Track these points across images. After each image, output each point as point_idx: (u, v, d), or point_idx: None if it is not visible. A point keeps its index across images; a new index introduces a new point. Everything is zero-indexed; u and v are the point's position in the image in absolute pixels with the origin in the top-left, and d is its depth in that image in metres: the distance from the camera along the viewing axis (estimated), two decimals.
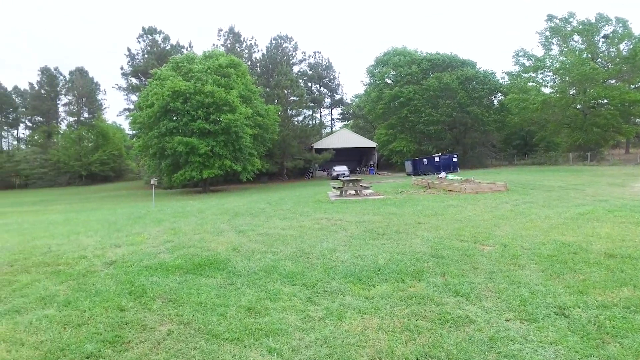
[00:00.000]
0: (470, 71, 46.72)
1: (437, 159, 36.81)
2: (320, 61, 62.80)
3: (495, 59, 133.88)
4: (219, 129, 27.63)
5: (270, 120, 32.63)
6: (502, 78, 48.89)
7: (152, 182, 18.39)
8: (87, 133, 58.93)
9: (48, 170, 57.08)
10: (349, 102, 69.70)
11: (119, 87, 48.42)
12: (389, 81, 48.99)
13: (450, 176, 22.52)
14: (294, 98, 42.50)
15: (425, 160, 38.47)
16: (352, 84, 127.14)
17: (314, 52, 65.44)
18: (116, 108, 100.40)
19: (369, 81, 53.79)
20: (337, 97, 68.09)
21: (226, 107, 27.87)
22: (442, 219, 9.70)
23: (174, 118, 28.06)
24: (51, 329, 3.90)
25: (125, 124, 43.96)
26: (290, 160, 41.83)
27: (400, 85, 45.94)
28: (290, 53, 49.06)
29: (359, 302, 4.31)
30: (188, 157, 27.57)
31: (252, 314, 4.10)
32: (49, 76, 62.05)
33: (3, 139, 71.38)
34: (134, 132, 37.23)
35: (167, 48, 43.76)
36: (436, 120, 45.15)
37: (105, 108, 65.64)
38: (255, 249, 7.10)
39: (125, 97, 49.21)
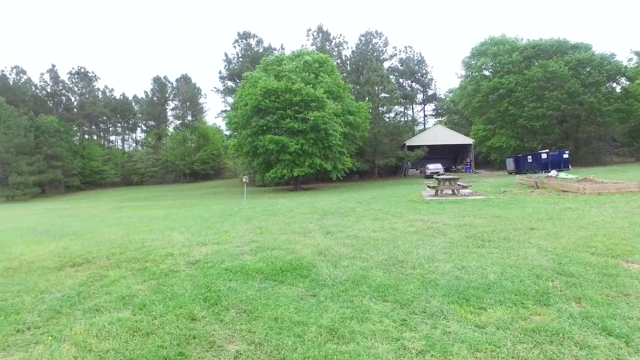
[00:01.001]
0: (583, 54, 40.59)
1: (544, 156, 33.11)
2: (412, 56, 60.64)
3: (615, 42, 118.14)
4: (307, 127, 27.69)
5: (361, 117, 31.93)
6: (629, 60, 42.08)
7: (243, 180, 18.83)
8: (190, 134, 63.59)
9: (158, 169, 62.76)
10: (443, 97, 66.34)
11: (217, 90, 51.60)
12: (487, 72, 45.35)
13: (562, 174, 19.84)
14: (385, 95, 41.39)
15: (529, 157, 34.89)
16: (446, 78, 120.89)
17: (405, 47, 63.26)
18: (215, 110, 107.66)
19: (464, 74, 50.44)
20: (430, 92, 65.22)
21: (314, 103, 27.83)
22: (560, 224, 8.20)
23: (268, 118, 28.78)
24: (120, 336, 3.65)
25: (223, 125, 46.60)
26: (381, 158, 40.83)
27: (499, 76, 42.14)
28: (380, 49, 47.97)
29: (468, 332, 3.43)
30: (279, 156, 28.05)
31: (335, 337, 3.44)
32: (159, 84, 68.31)
33: (125, 142, 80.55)
34: (230, 132, 39.14)
35: (260, 51, 45.40)
36: (541, 115, 40.13)
37: (206, 111, 70.65)
38: (343, 254, 6.48)
39: (223, 99, 52.24)
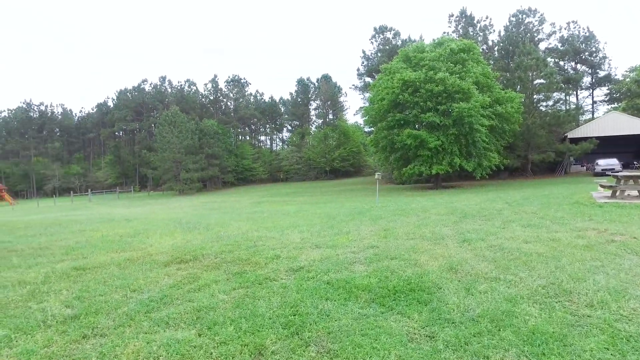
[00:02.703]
0: None
1: None
2: (577, 32, 51.59)
3: None
4: (449, 122, 25.26)
5: (514, 108, 27.85)
6: None
7: (376, 176, 17.79)
8: (331, 133, 65.17)
9: (301, 166, 65.91)
10: (621, 77, 54.97)
11: (355, 87, 51.57)
12: None
13: None
14: (541, 80, 35.84)
15: None
16: (624, 55, 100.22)
17: (568, 23, 53.74)
18: (355, 108, 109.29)
19: None
20: (602, 73, 54.76)
21: (459, 94, 25.24)
22: None
23: (406, 112, 27.19)
24: None
25: (362, 122, 46.39)
26: (535, 153, 35.50)
27: None
28: (534, 28, 41.87)
29: None
30: (417, 151, 26.27)
31: None
32: (302, 85, 71.71)
33: (273, 142, 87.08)
34: (369, 129, 38.51)
35: (398, 44, 43.76)
36: None
37: (346, 109, 71.36)
38: (481, 272, 4.93)
39: (362, 96, 52.07)
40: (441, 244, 6.87)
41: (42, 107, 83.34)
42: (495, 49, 40.69)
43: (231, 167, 61.61)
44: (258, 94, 77.48)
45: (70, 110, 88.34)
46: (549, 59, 40.61)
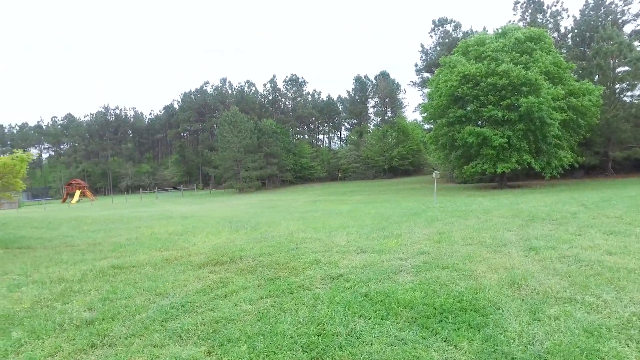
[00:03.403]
0: None
1: None
2: None
3: None
4: (515, 117, 23.34)
5: (592, 101, 25.09)
6: None
7: (433, 175, 16.73)
8: (389, 130, 63.71)
9: (359, 164, 65.09)
10: None
11: (414, 84, 49.76)
12: None
13: None
14: (625, 68, 32.26)
15: None
16: None
17: None
18: (413, 105, 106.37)
19: None
20: None
21: (525, 87, 23.23)
22: None
23: (468, 108, 25.54)
24: None
25: (421, 119, 44.70)
26: (618, 149, 32.02)
27: None
28: (616, 9, 37.84)
29: None
30: (480, 149, 24.61)
31: None
32: (360, 83, 70.79)
33: (331, 140, 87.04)
34: (428, 126, 36.95)
35: (459, 36, 41.45)
36: None
37: (405, 106, 69.46)
38: (551, 291, 4.09)
39: (420, 92, 50.23)
40: (503, 252, 6.00)
41: (117, 111, 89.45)
42: (569, 36, 37.26)
43: (289, 166, 62.17)
44: (315, 93, 77.72)
45: (141, 113, 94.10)
46: (635, 43, 36.37)
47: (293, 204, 23.55)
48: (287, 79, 72.99)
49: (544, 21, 36.92)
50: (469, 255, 5.86)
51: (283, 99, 74.52)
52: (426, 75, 45.94)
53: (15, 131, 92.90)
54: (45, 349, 3.44)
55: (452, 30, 43.88)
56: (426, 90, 38.10)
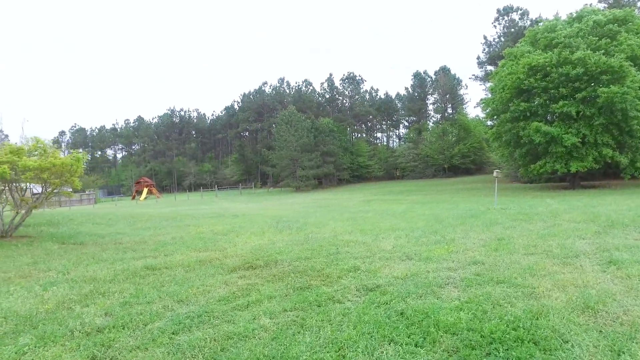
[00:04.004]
0: None
1: None
2: None
3: None
4: (592, 112, 21.06)
5: None
6: None
7: (494, 174, 15.43)
8: (450, 127, 61.20)
9: (418, 163, 63.15)
10: None
11: (475, 78, 47.19)
12: None
13: None
14: None
15: None
16: None
17: None
18: (476, 101, 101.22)
19: None
20: None
21: (606, 75, 20.85)
22: None
23: (535, 101, 23.48)
24: None
25: (483, 115, 42.22)
26: None
27: None
28: None
29: None
30: (549, 147, 22.56)
31: None
32: (419, 79, 68.60)
33: (389, 139, 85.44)
34: (491, 122, 34.82)
35: (526, 25, 38.56)
36: None
37: (466, 102, 66.25)
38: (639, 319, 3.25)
39: (483, 86, 47.56)
40: (573, 265, 5.10)
41: (182, 113, 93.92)
42: None
43: (346, 165, 61.69)
44: (373, 91, 76.51)
45: (203, 114, 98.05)
46: None
47: (346, 204, 23.05)
48: (344, 77, 72.50)
49: (628, 1, 33.20)
50: (530, 268, 5.03)
51: (340, 98, 74.16)
52: (489, 68, 43.41)
53: (94, 134, 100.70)
54: (46, 358, 3.21)
55: (519, 18, 41.01)
56: (489, 85, 35.94)
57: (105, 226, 13.59)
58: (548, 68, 22.19)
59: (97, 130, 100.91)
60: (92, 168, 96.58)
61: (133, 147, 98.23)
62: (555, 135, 21.56)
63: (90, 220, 15.30)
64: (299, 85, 77.52)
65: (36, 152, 10.53)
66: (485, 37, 44.09)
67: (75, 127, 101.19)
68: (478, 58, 45.71)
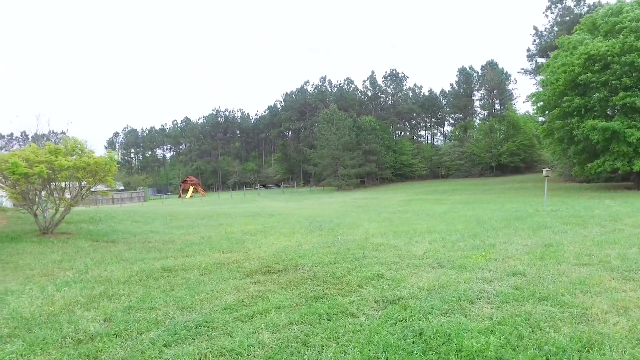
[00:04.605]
0: None
1: None
2: None
3: None
4: None
5: None
6: None
7: (544, 173, 14.21)
8: (497, 124, 58.50)
9: (464, 162, 60.90)
10: None
11: (525, 71, 44.48)
12: None
13: None
14: None
15: None
16: None
17: None
18: (525, 96, 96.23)
19: None
20: None
21: None
22: None
23: (593, 95, 21.60)
24: None
25: (533, 111, 39.76)
26: None
27: None
28: None
29: None
30: (609, 144, 20.68)
31: None
32: (464, 74, 66.07)
33: (434, 137, 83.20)
34: (542, 118, 32.73)
35: (582, 12, 35.82)
36: None
37: (515, 97, 62.74)
38: None
39: (533, 80, 44.87)
40: (638, 282, 4.31)
41: (227, 113, 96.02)
42: None
43: (389, 163, 60.53)
44: (416, 88, 74.65)
45: (247, 113, 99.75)
46: None
47: (386, 203, 22.36)
48: (387, 74, 71.19)
49: None
50: (582, 282, 4.30)
51: (383, 95, 72.95)
52: (540, 60, 40.86)
53: (145, 134, 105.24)
54: None
55: (574, 5, 38.21)
56: (539, 78, 33.76)
57: (142, 224, 13.75)
58: (609, 57, 20.29)
59: (147, 131, 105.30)
60: (143, 167, 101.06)
61: (180, 146, 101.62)
62: (616, 130, 19.73)
63: (130, 218, 15.59)
64: (340, 84, 77.01)
65: (74, 152, 10.71)
66: (535, 28, 41.52)
67: (127, 128, 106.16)
68: (528, 50, 43.16)
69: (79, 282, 5.54)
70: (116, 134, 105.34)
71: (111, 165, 10.68)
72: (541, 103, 26.59)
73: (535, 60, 42.26)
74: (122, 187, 70.97)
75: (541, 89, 28.86)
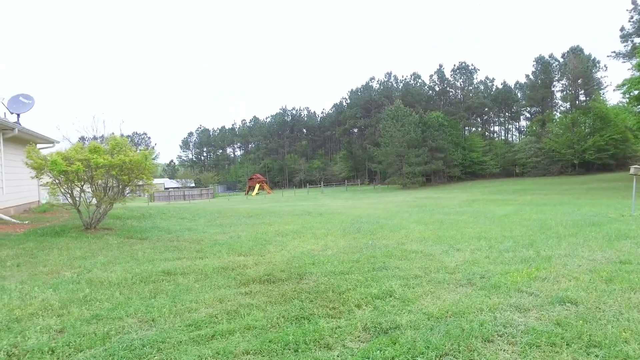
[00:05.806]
0: None
1: None
2: None
3: None
4: None
5: None
6: None
7: (631, 171, 12.09)
8: (582, 117, 53.01)
9: (541, 159, 56.08)
10: None
11: (617, 55, 39.36)
12: None
13: None
14: None
15: None
16: None
17: None
18: (617, 83, 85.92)
19: None
20: None
21: None
22: None
23: None
24: None
25: (626, 100, 34.99)
26: None
27: None
28: None
29: None
30: None
31: None
32: (543, 64, 60.59)
33: (508, 132, 77.88)
34: (638, 108, 28.83)
35: None
36: None
37: (605, 86, 56.24)
38: None
39: (628, 64, 39.66)
40: None
41: (293, 112, 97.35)
42: None
43: (458, 161, 57.53)
44: (488, 81, 70.16)
45: (313, 112, 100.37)
46: None
47: (446, 203, 20.85)
48: (456, 67, 67.64)
49: None
50: None
51: (452, 90, 69.48)
52: (637, 40, 35.96)
53: (216, 134, 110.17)
54: None
55: None
56: (635, 61, 29.62)
57: (187, 221, 13.77)
58: None
59: (218, 131, 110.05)
60: (214, 165, 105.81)
61: (249, 145, 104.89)
62: None
63: (179, 215, 15.78)
64: (406, 79, 74.69)
65: (114, 151, 10.81)
66: (634, 2, 36.30)
67: (200, 128, 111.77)
68: (622, 29, 38.07)
69: (71, 283, 5.25)
70: (190, 134, 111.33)
71: (147, 163, 10.65)
72: (631, 92, 23.32)
73: (632, 41, 37.20)
74: (192, 184, 74.56)
75: (638, 74, 25.38)
